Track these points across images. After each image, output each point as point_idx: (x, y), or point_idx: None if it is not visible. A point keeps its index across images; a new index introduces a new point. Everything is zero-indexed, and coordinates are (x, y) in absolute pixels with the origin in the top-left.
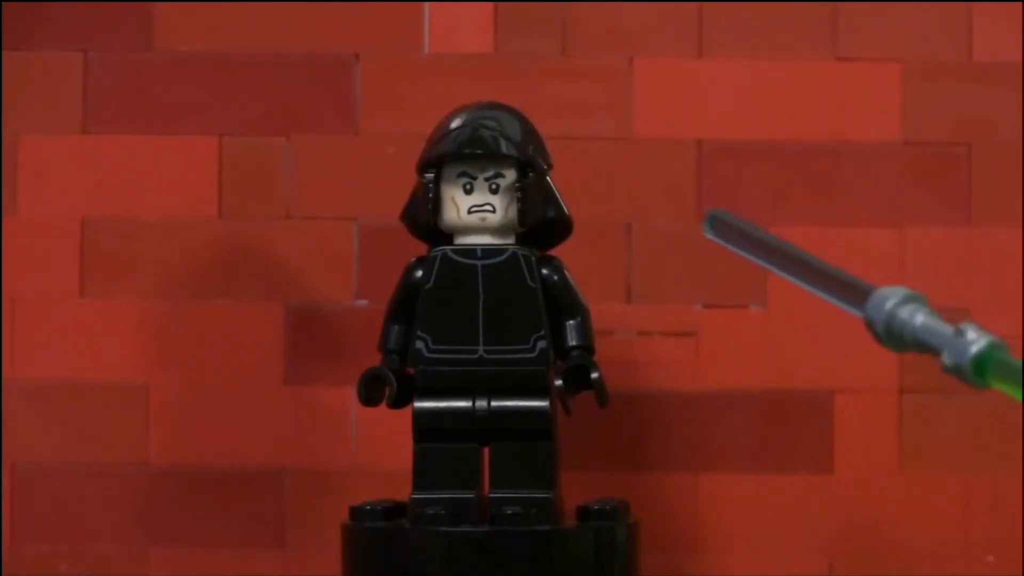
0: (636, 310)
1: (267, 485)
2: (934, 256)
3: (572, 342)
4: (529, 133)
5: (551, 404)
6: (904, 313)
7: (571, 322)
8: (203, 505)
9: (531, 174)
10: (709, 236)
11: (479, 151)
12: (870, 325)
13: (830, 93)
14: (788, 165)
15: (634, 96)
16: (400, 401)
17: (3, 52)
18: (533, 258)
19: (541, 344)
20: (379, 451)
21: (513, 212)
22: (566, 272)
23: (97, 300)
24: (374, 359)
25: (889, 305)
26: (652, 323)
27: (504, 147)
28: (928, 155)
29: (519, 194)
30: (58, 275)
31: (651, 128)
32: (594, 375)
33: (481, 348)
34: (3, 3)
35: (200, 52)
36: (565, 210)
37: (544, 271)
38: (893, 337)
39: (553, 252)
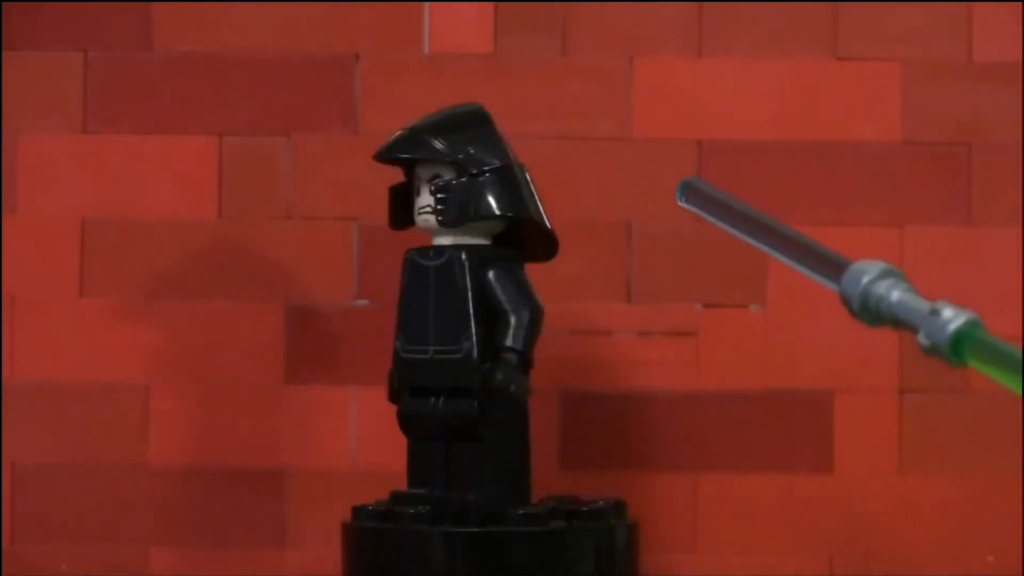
0: (636, 310)
1: (267, 485)
2: (934, 256)
3: (502, 343)
4: (472, 134)
5: (479, 405)
6: (880, 288)
7: (502, 323)
8: (203, 505)
9: (464, 176)
10: (682, 204)
11: (399, 154)
12: (845, 300)
13: (830, 93)
14: (788, 165)
15: (634, 96)
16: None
17: (3, 52)
18: (467, 259)
19: (467, 345)
20: (379, 451)
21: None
22: (511, 272)
23: (97, 300)
24: (374, 359)
25: (865, 280)
26: (652, 323)
27: (424, 149)
28: (928, 155)
29: (440, 195)
30: (58, 275)
31: (651, 128)
32: (497, 378)
33: (431, 349)
34: (3, 3)
35: (200, 52)
36: (516, 210)
37: (482, 271)
38: (868, 312)
39: (555, 253)
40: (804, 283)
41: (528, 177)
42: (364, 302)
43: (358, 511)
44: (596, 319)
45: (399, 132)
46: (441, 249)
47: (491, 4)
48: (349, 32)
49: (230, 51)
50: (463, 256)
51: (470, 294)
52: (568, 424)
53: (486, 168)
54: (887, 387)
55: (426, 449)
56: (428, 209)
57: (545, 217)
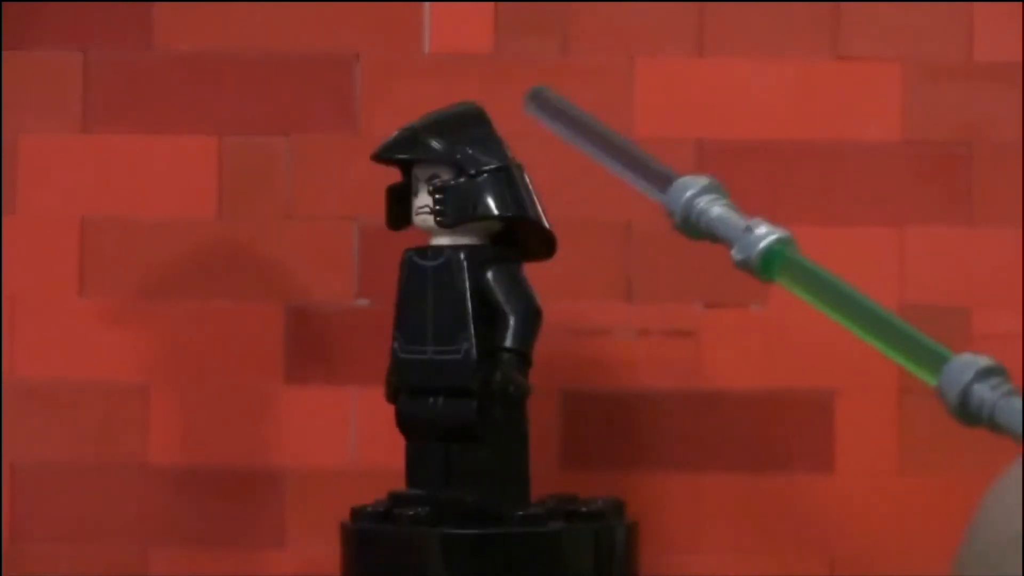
0: (636, 310)
1: (267, 485)
2: (935, 256)
3: (501, 343)
4: (470, 134)
5: (477, 406)
6: (702, 203)
7: (501, 324)
8: (203, 505)
9: (462, 176)
10: (530, 111)
11: (397, 154)
12: (670, 212)
13: (830, 93)
14: (788, 165)
15: (634, 96)
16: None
17: (3, 52)
18: (466, 259)
19: (465, 346)
20: (379, 451)
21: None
22: (509, 272)
23: (97, 300)
24: (374, 359)
25: (688, 194)
26: (652, 323)
27: (421, 149)
28: (928, 155)
29: (438, 195)
30: (58, 275)
31: (651, 128)
32: (495, 378)
33: (430, 349)
34: (3, 3)
35: (200, 52)
36: (514, 210)
37: (481, 271)
38: (689, 225)
39: (553, 253)
40: None
41: (526, 177)
42: (364, 302)
43: (357, 512)
44: (596, 319)
45: (397, 132)
46: (439, 249)
47: (491, 4)
48: (349, 32)
49: (230, 51)
50: (462, 256)
51: (469, 294)
52: (568, 424)
53: (484, 168)
54: (887, 387)
55: (425, 450)
56: (426, 209)
57: (543, 216)
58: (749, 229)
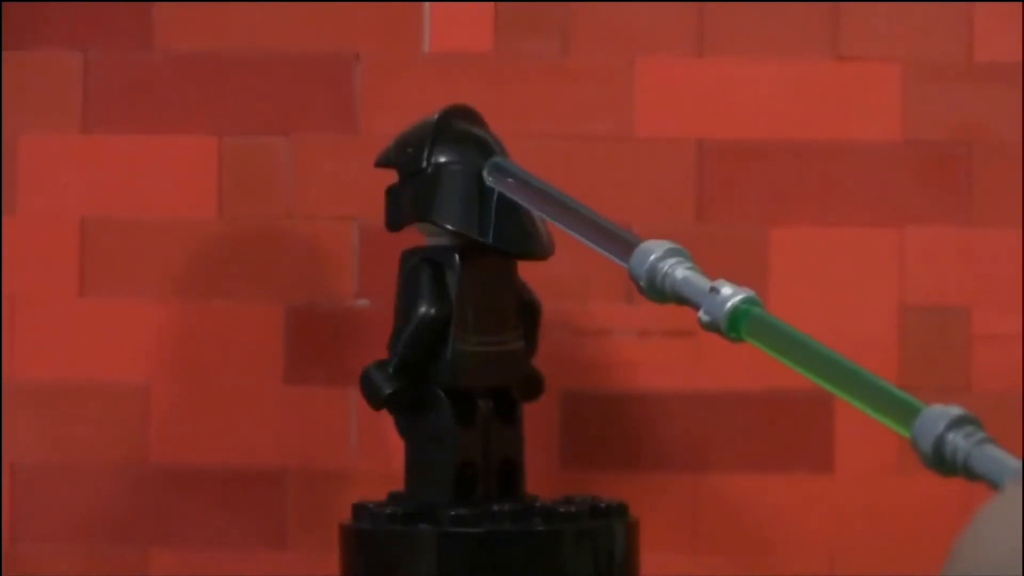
0: (636, 310)
1: (267, 485)
2: (934, 256)
3: None
4: (420, 136)
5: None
6: (666, 267)
7: None
8: (203, 505)
9: (401, 180)
10: (490, 183)
11: (380, 160)
12: (634, 278)
13: (830, 93)
14: (788, 165)
15: (634, 96)
16: None
17: (3, 52)
18: (400, 261)
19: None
20: (379, 451)
21: None
22: (409, 276)
23: (97, 300)
24: (374, 359)
25: (652, 258)
26: (652, 323)
27: (385, 154)
28: (928, 155)
29: (386, 198)
30: (58, 275)
31: (651, 128)
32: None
33: None
34: (3, 3)
35: (200, 52)
36: (423, 216)
37: (402, 274)
38: (655, 290)
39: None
40: (804, 282)
41: (484, 180)
42: (364, 302)
43: (358, 509)
44: (596, 319)
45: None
46: None
47: (491, 4)
48: (349, 32)
49: (230, 51)
50: (400, 259)
51: (396, 296)
52: (568, 424)
53: (410, 172)
54: None
55: None
56: None
57: (480, 223)
58: (714, 290)
